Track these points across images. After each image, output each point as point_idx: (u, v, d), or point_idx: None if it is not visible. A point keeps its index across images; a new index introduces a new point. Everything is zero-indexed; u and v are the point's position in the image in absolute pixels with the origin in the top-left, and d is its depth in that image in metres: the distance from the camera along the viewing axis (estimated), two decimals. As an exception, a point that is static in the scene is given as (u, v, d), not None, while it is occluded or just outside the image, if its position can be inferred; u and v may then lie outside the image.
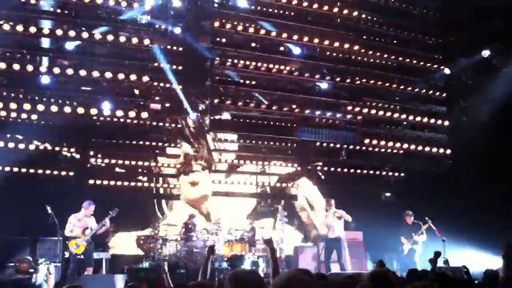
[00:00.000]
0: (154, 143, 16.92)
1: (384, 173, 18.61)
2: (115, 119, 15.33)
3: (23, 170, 14.94)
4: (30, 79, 14.54)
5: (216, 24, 15.48)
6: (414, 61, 18.33)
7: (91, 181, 15.77)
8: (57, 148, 15.62)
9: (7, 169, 14.74)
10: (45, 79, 14.45)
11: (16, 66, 13.91)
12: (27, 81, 14.60)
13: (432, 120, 18.23)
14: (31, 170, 15.09)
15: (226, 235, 15.41)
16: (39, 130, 15.05)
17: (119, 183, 16.20)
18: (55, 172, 15.40)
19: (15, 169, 14.85)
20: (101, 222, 12.61)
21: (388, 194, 18.82)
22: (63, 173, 15.46)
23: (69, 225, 12.55)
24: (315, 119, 17.00)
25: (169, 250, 14.84)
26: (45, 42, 14.68)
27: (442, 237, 13.55)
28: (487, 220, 15.05)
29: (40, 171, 15.20)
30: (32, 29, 13.90)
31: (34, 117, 14.52)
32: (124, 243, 16.26)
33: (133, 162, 16.79)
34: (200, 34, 15.89)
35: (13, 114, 14.19)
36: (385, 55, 17.97)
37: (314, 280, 4.27)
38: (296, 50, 16.79)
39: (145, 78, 14.90)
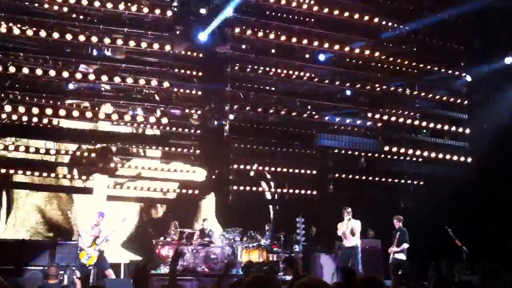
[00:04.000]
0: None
1: (403, 180, 18.45)
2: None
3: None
4: (52, 84, 14.70)
5: (237, 30, 15.50)
6: (436, 68, 18.15)
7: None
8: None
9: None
10: (67, 85, 14.60)
11: (39, 71, 14.06)
12: (49, 86, 14.75)
13: (453, 128, 18.05)
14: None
15: (244, 242, 15.37)
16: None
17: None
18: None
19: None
20: (110, 230, 12.49)
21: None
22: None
23: (82, 233, 12.49)
24: (334, 126, 16.91)
25: (186, 255, 14.78)
26: (68, 48, 14.78)
27: (463, 247, 13.31)
28: (508, 227, 14.85)
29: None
30: (55, 35, 14.00)
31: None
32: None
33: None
34: (221, 40, 15.89)
35: (35, 119, 14.38)
36: (406, 62, 17.84)
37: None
38: (317, 57, 16.73)
39: (166, 84, 14.96)
